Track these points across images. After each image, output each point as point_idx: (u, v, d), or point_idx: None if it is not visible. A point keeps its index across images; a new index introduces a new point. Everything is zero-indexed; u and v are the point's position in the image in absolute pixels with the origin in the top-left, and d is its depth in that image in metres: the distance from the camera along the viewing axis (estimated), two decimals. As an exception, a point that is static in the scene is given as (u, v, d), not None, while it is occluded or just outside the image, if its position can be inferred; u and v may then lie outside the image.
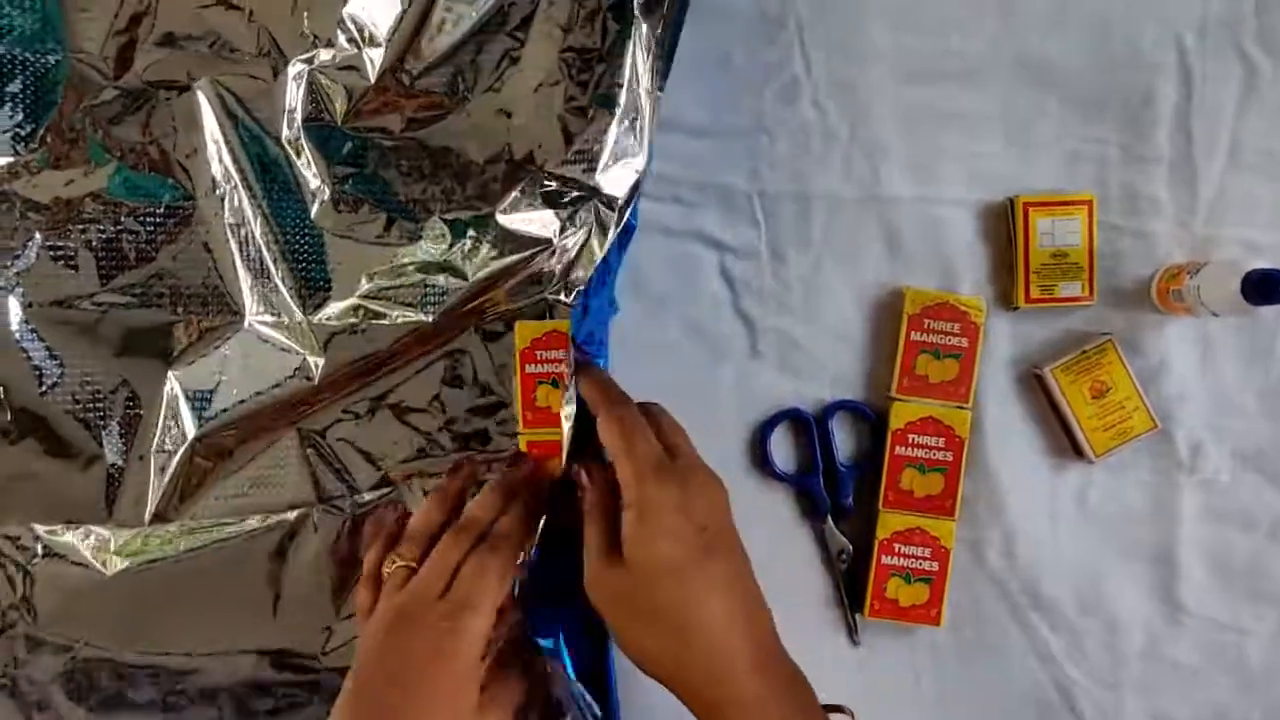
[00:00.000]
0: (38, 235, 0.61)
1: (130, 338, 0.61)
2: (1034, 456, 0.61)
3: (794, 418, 0.62)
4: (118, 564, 0.62)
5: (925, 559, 0.60)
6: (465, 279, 0.60)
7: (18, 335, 0.61)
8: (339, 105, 0.59)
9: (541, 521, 0.57)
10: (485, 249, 0.61)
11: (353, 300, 0.60)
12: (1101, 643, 0.61)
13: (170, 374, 0.61)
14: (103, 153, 0.60)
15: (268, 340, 0.61)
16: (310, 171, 0.60)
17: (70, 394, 0.61)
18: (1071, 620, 0.61)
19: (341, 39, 0.57)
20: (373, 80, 0.58)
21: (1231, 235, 0.60)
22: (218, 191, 0.60)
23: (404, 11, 0.57)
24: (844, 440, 0.62)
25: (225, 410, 0.61)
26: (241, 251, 0.60)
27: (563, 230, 0.60)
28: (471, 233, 0.60)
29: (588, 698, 0.60)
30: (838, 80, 0.61)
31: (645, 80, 0.58)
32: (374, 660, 0.49)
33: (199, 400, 0.61)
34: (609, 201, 0.59)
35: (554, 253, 0.60)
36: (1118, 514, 0.61)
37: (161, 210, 0.60)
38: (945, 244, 0.61)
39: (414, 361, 0.62)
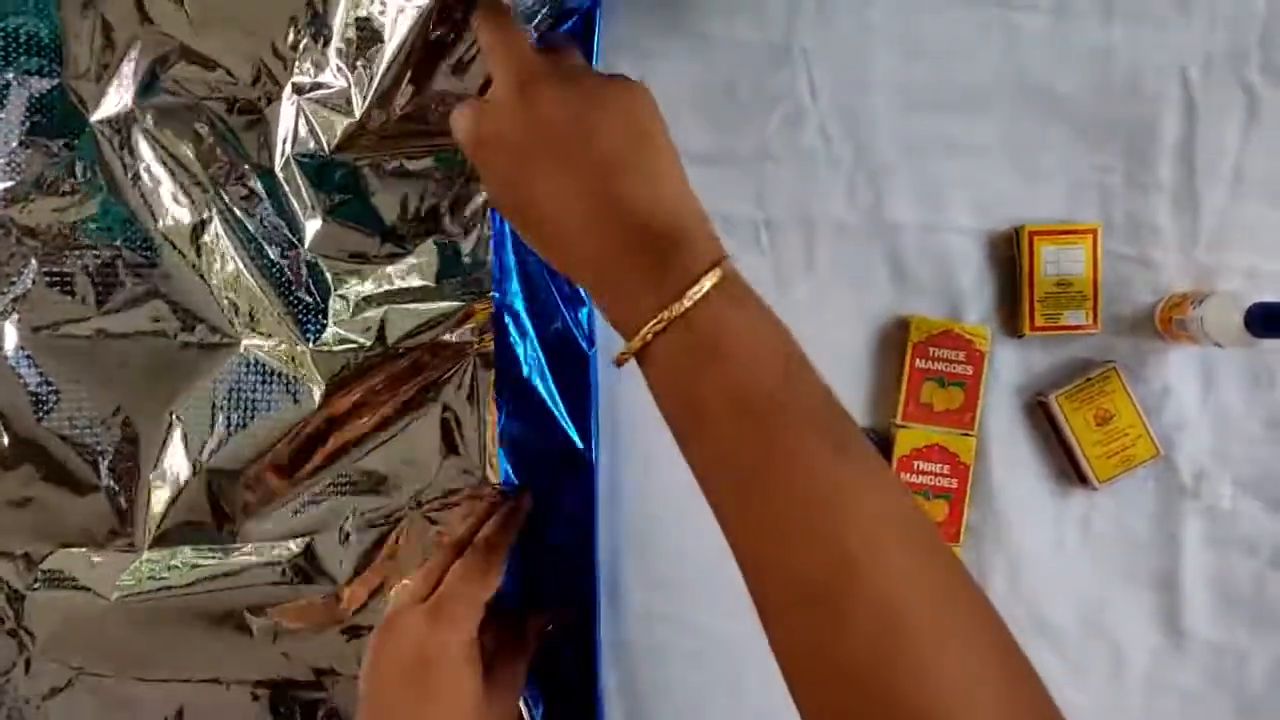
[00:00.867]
0: (34, 261, 0.60)
1: (126, 364, 0.61)
2: (1038, 483, 0.62)
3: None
4: (118, 590, 0.61)
5: (931, 585, 0.60)
6: (461, 302, 0.60)
7: (13, 362, 0.60)
8: (329, 134, 0.59)
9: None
10: (483, 273, 0.61)
11: (349, 326, 0.60)
12: (1105, 668, 0.61)
13: (168, 400, 0.61)
14: (93, 180, 0.60)
15: (265, 367, 0.61)
16: (301, 200, 0.59)
17: (67, 420, 0.61)
18: (1075, 645, 0.61)
19: (332, 70, 0.57)
20: (359, 113, 0.58)
21: (1234, 263, 0.60)
22: (209, 220, 0.60)
23: (394, 45, 0.57)
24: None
25: (227, 437, 0.61)
26: (236, 279, 0.60)
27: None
28: (465, 255, 0.60)
29: None
30: (843, 108, 0.61)
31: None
32: (371, 671, 0.50)
33: (197, 427, 0.61)
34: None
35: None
36: (1121, 540, 0.61)
37: (154, 238, 0.60)
38: (950, 272, 0.62)
39: (416, 387, 0.61)
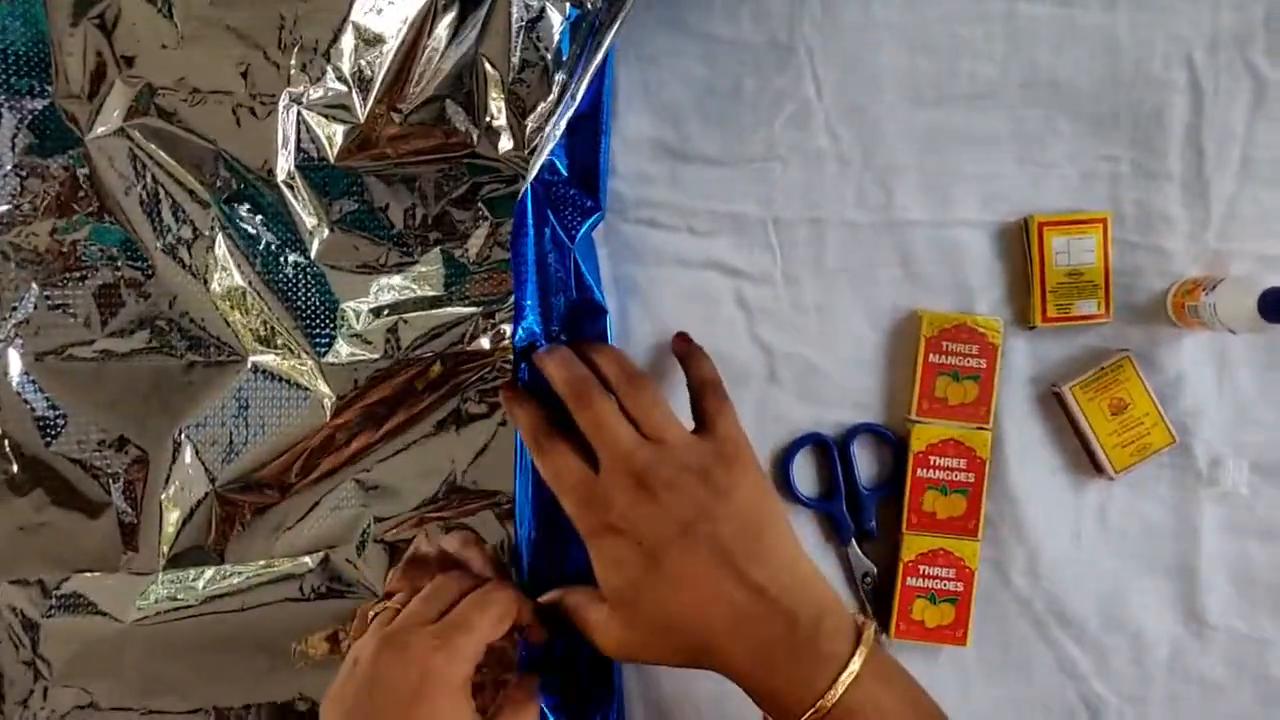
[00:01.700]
0: (34, 285, 0.59)
1: (132, 385, 0.60)
2: (1055, 475, 0.62)
3: (815, 442, 0.62)
4: (135, 613, 0.61)
5: (950, 580, 0.60)
6: (469, 310, 0.60)
7: (19, 388, 0.59)
8: (331, 142, 0.58)
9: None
10: (491, 279, 0.60)
11: (359, 337, 0.60)
12: (1127, 658, 0.61)
13: (176, 419, 0.60)
14: (91, 200, 0.59)
15: (275, 381, 0.60)
16: (306, 210, 0.59)
17: (76, 444, 0.60)
18: (1096, 636, 0.61)
19: (330, 77, 0.56)
20: (362, 119, 0.57)
21: (1246, 249, 0.60)
22: (211, 235, 0.59)
23: (392, 48, 0.56)
24: (866, 464, 0.62)
25: (238, 454, 0.60)
26: (241, 294, 0.59)
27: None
28: (473, 261, 0.60)
29: None
30: (849, 105, 0.61)
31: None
32: (364, 691, 0.47)
33: (207, 445, 0.60)
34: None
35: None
36: (1139, 529, 0.61)
37: (155, 256, 0.59)
38: (961, 266, 0.61)
39: (432, 396, 0.61)
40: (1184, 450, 0.61)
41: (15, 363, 0.59)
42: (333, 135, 0.58)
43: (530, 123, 0.57)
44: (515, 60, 0.55)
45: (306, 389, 0.60)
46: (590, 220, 0.60)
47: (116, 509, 0.60)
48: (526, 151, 0.58)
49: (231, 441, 0.61)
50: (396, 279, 0.60)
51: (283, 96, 0.58)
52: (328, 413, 0.60)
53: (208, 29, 0.57)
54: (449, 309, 0.60)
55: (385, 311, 0.60)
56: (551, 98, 0.57)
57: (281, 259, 0.60)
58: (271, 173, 0.59)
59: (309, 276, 0.60)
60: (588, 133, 0.60)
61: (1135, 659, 0.61)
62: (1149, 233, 0.61)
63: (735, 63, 0.60)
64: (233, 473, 0.61)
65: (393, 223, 0.59)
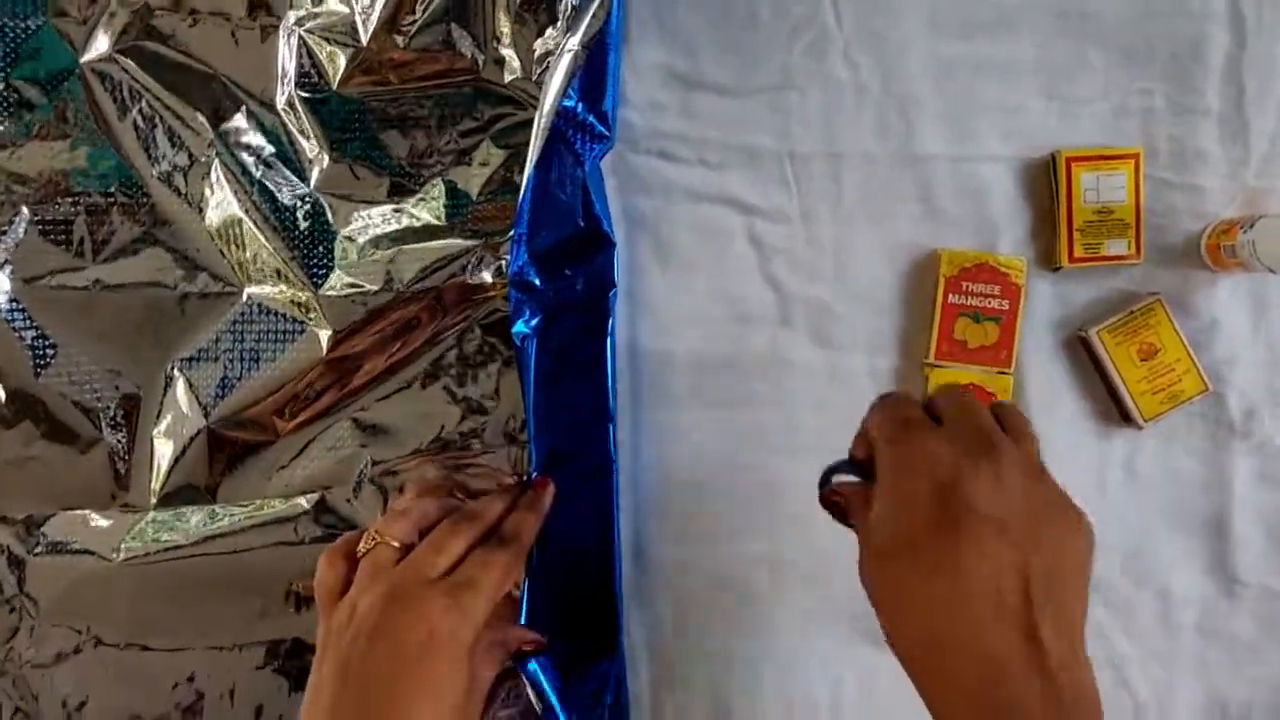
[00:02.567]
0: (25, 210, 0.58)
1: (125, 316, 0.59)
2: (1079, 423, 0.59)
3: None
4: (123, 552, 0.59)
5: (968, 532, 0.58)
6: (471, 243, 0.58)
7: (8, 316, 0.58)
8: (333, 68, 0.56)
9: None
10: (493, 210, 0.58)
11: (357, 269, 0.58)
12: (1153, 615, 0.58)
13: (169, 352, 0.58)
14: (85, 125, 0.58)
15: (270, 315, 0.58)
16: (306, 138, 0.57)
17: (65, 375, 0.59)
18: (1122, 593, 0.59)
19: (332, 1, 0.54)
20: (365, 43, 0.55)
21: (1285, 188, 0.57)
22: (208, 163, 0.57)
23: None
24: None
25: (232, 389, 0.59)
26: (238, 224, 0.58)
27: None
28: (476, 192, 0.58)
29: None
30: (869, 33, 0.58)
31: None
32: (364, 642, 0.45)
33: (201, 379, 0.59)
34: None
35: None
36: (1168, 482, 0.58)
37: (151, 183, 0.57)
38: (983, 203, 0.59)
39: (432, 331, 0.59)
40: (1216, 399, 0.58)
41: (4, 289, 0.57)
42: (334, 60, 0.57)
43: (538, 48, 0.55)
44: None
45: (303, 322, 0.58)
46: (599, 149, 0.58)
47: (107, 444, 0.59)
48: (534, 79, 0.56)
49: (226, 376, 0.59)
50: (397, 209, 0.58)
51: (284, 19, 0.56)
52: (324, 347, 0.58)
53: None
54: (451, 240, 0.58)
55: (385, 243, 0.58)
56: (560, 23, 0.55)
57: (279, 188, 0.58)
58: (271, 99, 0.57)
59: (307, 206, 0.58)
60: (597, 59, 0.58)
61: (1162, 616, 0.58)
62: (1183, 170, 0.58)
63: (750, -13, 0.58)
64: (227, 409, 0.59)
65: (395, 151, 0.58)
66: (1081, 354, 0.59)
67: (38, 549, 0.59)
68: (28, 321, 0.58)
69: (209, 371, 0.59)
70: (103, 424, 0.59)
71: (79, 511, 0.59)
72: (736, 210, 0.59)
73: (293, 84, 0.57)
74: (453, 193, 0.57)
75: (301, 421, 0.59)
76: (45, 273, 0.58)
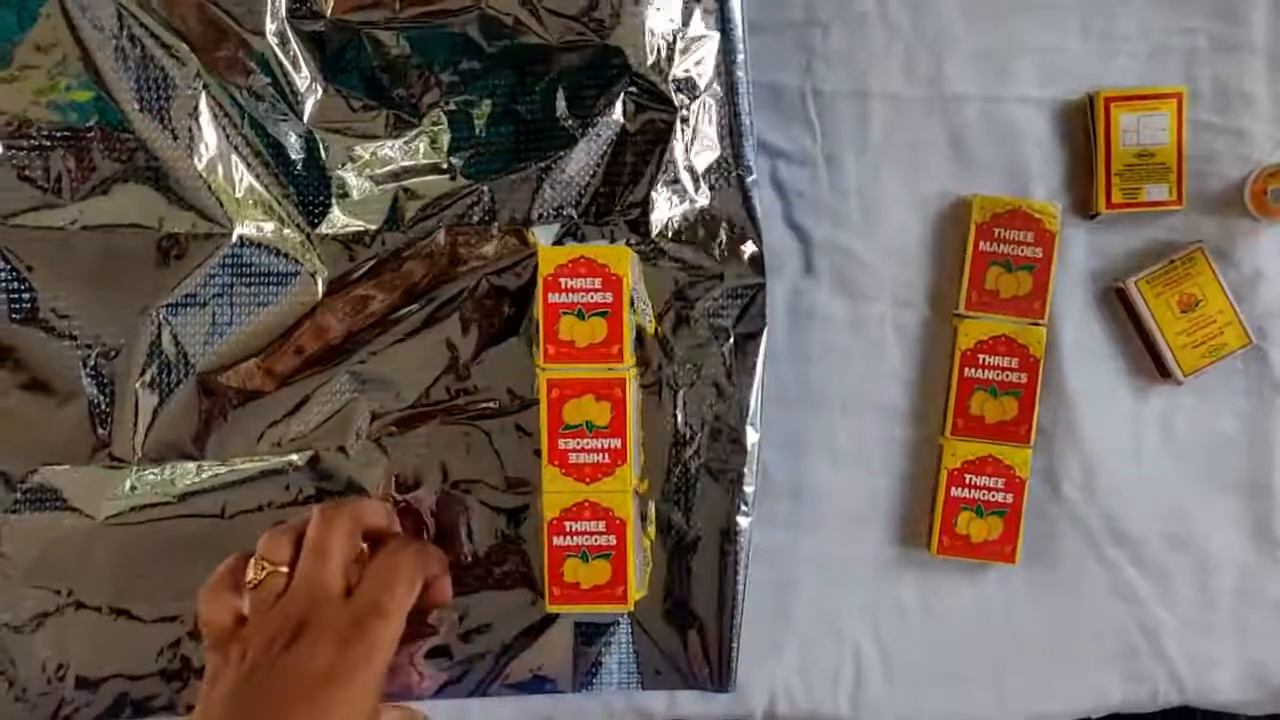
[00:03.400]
0: (-1, 145, 0.54)
1: (106, 258, 0.55)
2: (1115, 378, 0.56)
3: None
4: (106, 510, 0.55)
5: (999, 490, 0.55)
6: (473, 180, 0.54)
7: (-18, 257, 0.54)
8: None
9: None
10: (497, 146, 0.55)
11: (355, 206, 0.54)
12: (1191, 581, 0.56)
13: (154, 298, 0.55)
14: (63, 53, 0.54)
15: (263, 255, 0.55)
16: (299, 69, 0.54)
17: (43, 320, 0.55)
18: (1157, 557, 0.56)
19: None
20: None
21: (1337, 131, 0.55)
22: (195, 94, 0.54)
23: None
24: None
25: (221, 337, 0.55)
26: (227, 159, 0.54)
27: (588, 123, 0.54)
28: (480, 126, 0.54)
29: None
30: (899, -34, 0.56)
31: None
32: (261, 673, 0.42)
33: (188, 326, 0.55)
34: (655, 92, 0.53)
35: (581, 157, 0.54)
36: (1208, 440, 0.56)
37: (133, 116, 0.54)
38: (1016, 146, 0.56)
39: (436, 276, 0.55)
40: (1259, 354, 0.56)
41: (-22, 228, 0.54)
42: (328, -15, 0.53)
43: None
44: None
45: (297, 263, 0.55)
46: None
47: (87, 395, 0.55)
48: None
49: (214, 323, 0.55)
50: (397, 144, 0.54)
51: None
52: (320, 290, 0.55)
53: None
54: (453, 179, 0.54)
55: (384, 179, 0.54)
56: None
57: (271, 121, 0.54)
58: (261, 27, 0.54)
59: (301, 140, 0.54)
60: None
61: (1199, 582, 0.56)
62: (1227, 113, 0.55)
63: (775, -86, 0.55)
64: (215, 358, 0.55)
65: (393, 83, 0.54)
66: (1118, 306, 0.56)
67: (14, 506, 0.56)
68: (2, 263, 0.54)
69: (196, 318, 0.55)
70: (83, 374, 0.55)
71: (58, 467, 0.56)
72: (758, 151, 0.56)
73: (284, 11, 0.54)
74: (454, 126, 0.54)
75: (295, 371, 0.56)
76: (20, 211, 0.54)
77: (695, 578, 0.55)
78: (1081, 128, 0.56)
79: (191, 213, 0.55)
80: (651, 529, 0.55)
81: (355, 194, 0.54)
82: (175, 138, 0.54)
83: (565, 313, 0.53)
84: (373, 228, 0.54)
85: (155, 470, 0.56)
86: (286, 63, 0.54)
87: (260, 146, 0.54)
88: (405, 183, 0.54)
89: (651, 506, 0.55)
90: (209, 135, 0.54)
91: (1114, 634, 0.56)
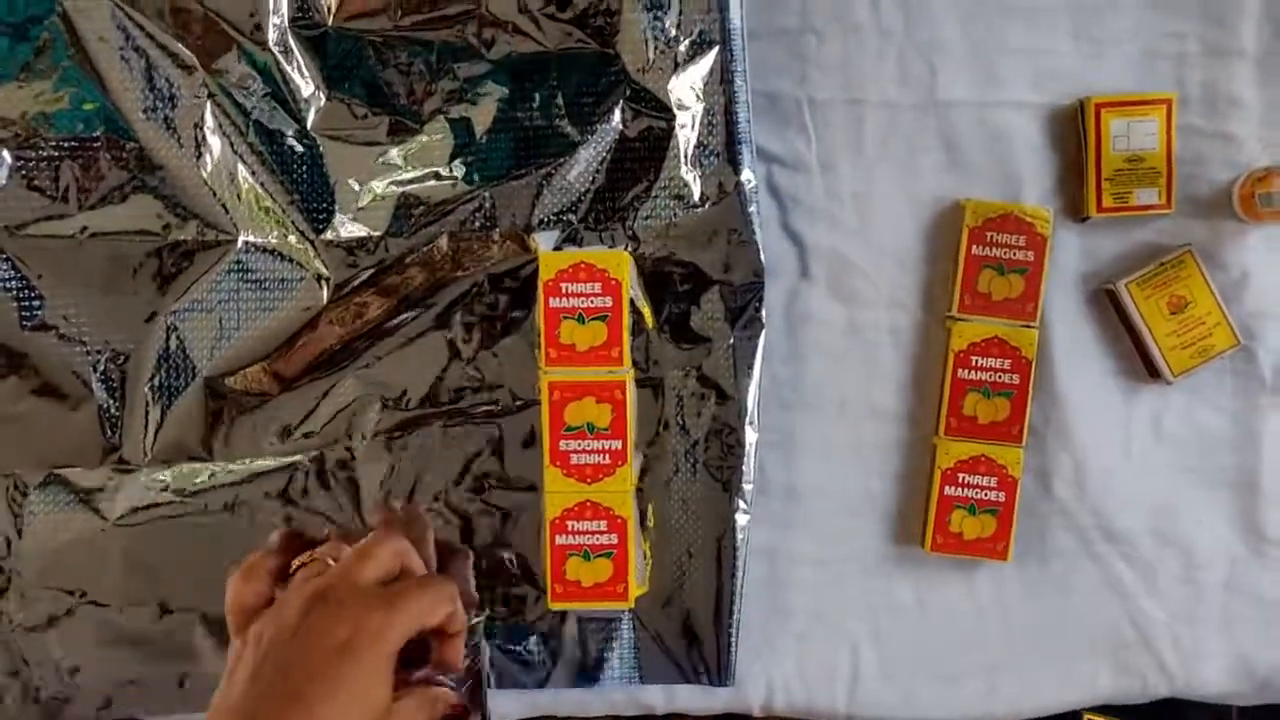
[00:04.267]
0: (6, 155, 0.55)
1: (115, 266, 0.56)
2: (1105, 378, 0.57)
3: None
4: (117, 511, 0.57)
5: (991, 489, 0.56)
6: (478, 186, 0.55)
7: (-8, 265, 0.55)
8: (327, 3, 0.54)
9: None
10: (498, 152, 0.56)
11: (358, 214, 0.55)
12: (1179, 576, 0.57)
13: (161, 304, 0.56)
14: (69, 65, 0.55)
15: (268, 262, 0.56)
16: (302, 77, 0.55)
17: (54, 327, 0.56)
18: (1147, 552, 0.57)
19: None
20: None
21: (1324, 135, 0.56)
22: (199, 103, 0.55)
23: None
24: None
25: (228, 342, 0.56)
26: (231, 167, 0.55)
27: (589, 130, 0.55)
28: (480, 133, 0.55)
29: None
30: (892, -28, 0.56)
31: None
32: (280, 645, 0.42)
33: (195, 331, 0.56)
34: (652, 99, 0.54)
35: (581, 163, 0.55)
36: (1196, 439, 0.57)
37: (139, 126, 0.55)
38: (1008, 151, 0.57)
39: (438, 280, 0.56)
40: (1247, 354, 0.57)
41: (-12, 237, 0.55)
42: (329, -7, 0.54)
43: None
44: None
45: (301, 268, 0.56)
46: None
47: (97, 400, 0.56)
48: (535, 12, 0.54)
49: (221, 328, 0.56)
50: (400, 150, 0.55)
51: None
52: (324, 295, 0.56)
53: None
54: (454, 184, 0.55)
55: (387, 186, 0.55)
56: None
57: (275, 129, 0.55)
58: (264, 36, 0.54)
59: (305, 148, 0.55)
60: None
61: (1188, 577, 0.57)
62: (1216, 117, 0.56)
63: (770, -79, 0.56)
64: (222, 362, 0.56)
65: (395, 90, 0.55)
66: (1108, 308, 0.57)
67: (27, 508, 0.57)
68: (13, 271, 0.56)
69: (203, 323, 0.56)
70: (93, 379, 0.56)
71: (70, 469, 0.57)
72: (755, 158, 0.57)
73: (287, 20, 0.54)
74: (455, 132, 0.55)
75: (300, 374, 0.57)
76: (30, 220, 0.55)
77: (694, 575, 0.56)
78: (1072, 133, 0.57)
79: (197, 220, 0.56)
80: (651, 527, 0.56)
81: (358, 200, 0.55)
82: (181, 146, 0.55)
83: (566, 317, 0.54)
84: (376, 234, 0.55)
85: (165, 471, 0.57)
86: (290, 71, 0.55)
87: (264, 154, 0.55)
88: (407, 189, 0.55)
89: (651, 505, 0.56)
90: (214, 143, 0.55)
91: (1104, 628, 0.57)
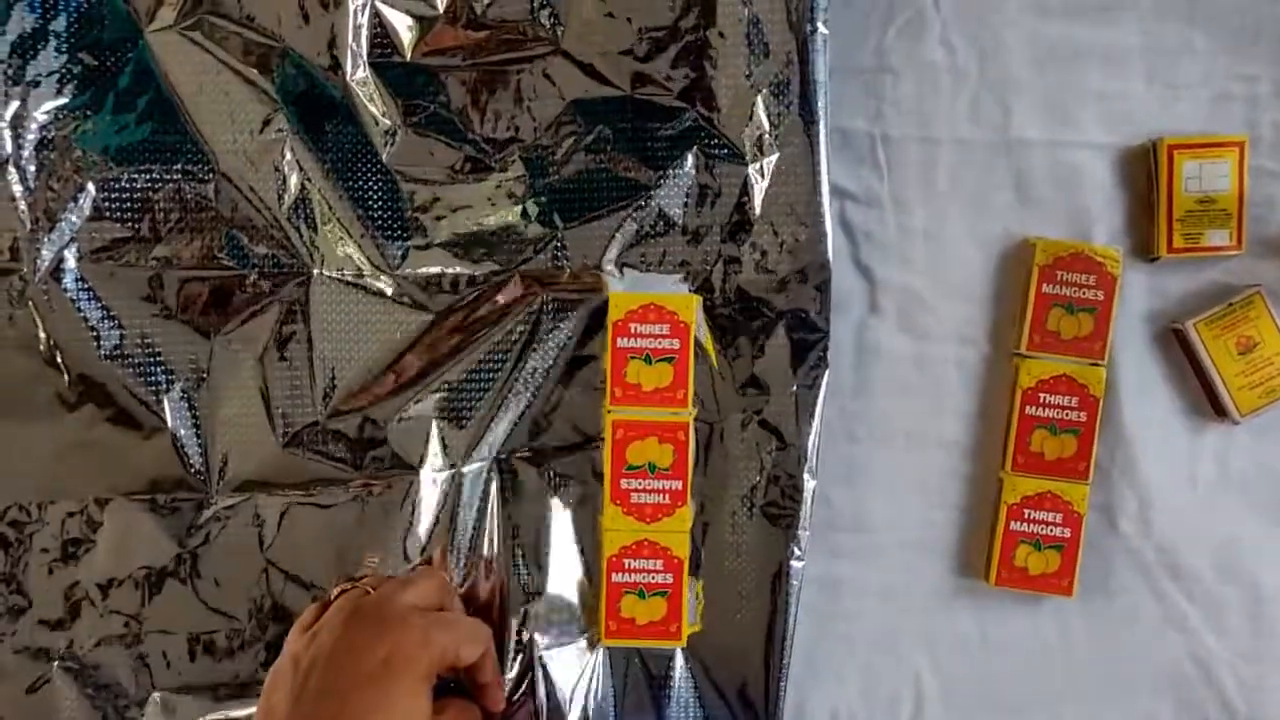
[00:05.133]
0: (90, 186, 0.56)
1: (191, 296, 0.57)
2: (1172, 417, 0.58)
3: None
4: (191, 540, 0.57)
5: (1056, 525, 0.57)
6: (552, 227, 0.56)
7: (73, 295, 0.56)
8: (406, 38, 0.55)
9: None
10: (572, 192, 0.56)
11: (433, 248, 0.56)
12: (1244, 613, 0.58)
13: (236, 336, 0.57)
14: (151, 97, 0.55)
15: (344, 295, 0.56)
16: (378, 110, 0.55)
17: (130, 356, 0.57)
18: (1211, 589, 0.58)
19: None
20: (440, 9, 0.54)
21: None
22: (278, 137, 0.55)
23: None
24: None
25: (302, 373, 0.57)
26: (308, 200, 0.56)
27: (664, 175, 0.55)
28: (554, 172, 0.56)
29: None
30: (967, 15, 0.57)
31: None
32: (321, 663, 0.43)
33: (268, 363, 0.57)
34: (729, 145, 0.54)
35: (654, 206, 0.56)
36: (1262, 477, 0.58)
37: (217, 158, 0.55)
38: (1079, 191, 0.57)
39: (512, 318, 0.57)
40: (1314, 395, 0.57)
41: (70, 266, 0.56)
42: (408, 30, 0.55)
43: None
44: None
45: (378, 303, 0.56)
46: None
47: (170, 429, 0.57)
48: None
49: (294, 361, 0.57)
50: (474, 187, 0.56)
51: (356, -13, 0.54)
52: (400, 329, 0.56)
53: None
54: (529, 223, 0.56)
55: (462, 222, 0.56)
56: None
57: (351, 163, 0.56)
58: (342, 70, 0.55)
59: (381, 182, 0.56)
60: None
61: (1253, 614, 0.58)
62: (1286, 159, 0.56)
63: (849, -35, 0.56)
64: (297, 392, 0.57)
65: (472, 126, 0.55)
66: (1175, 347, 0.58)
67: (100, 536, 0.57)
68: (94, 301, 0.56)
69: (276, 355, 0.57)
70: (167, 408, 0.57)
71: (142, 497, 0.57)
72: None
73: (365, 54, 0.55)
74: (531, 170, 0.56)
75: (373, 405, 0.57)
76: (111, 250, 0.56)
77: (746, 618, 0.57)
78: (1143, 173, 0.57)
79: (274, 253, 0.56)
80: (704, 568, 0.57)
81: (433, 236, 0.56)
82: (259, 178, 0.56)
83: (633, 357, 0.54)
84: (450, 270, 0.56)
85: (236, 500, 0.57)
86: (368, 105, 0.55)
87: (342, 189, 0.56)
88: (481, 226, 0.56)
89: (705, 547, 0.57)
90: (292, 177, 0.56)
91: (1167, 664, 0.58)
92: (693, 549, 0.56)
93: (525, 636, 0.56)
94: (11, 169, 0.55)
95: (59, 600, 0.57)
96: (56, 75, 0.55)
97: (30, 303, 0.56)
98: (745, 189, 0.55)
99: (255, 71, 0.55)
